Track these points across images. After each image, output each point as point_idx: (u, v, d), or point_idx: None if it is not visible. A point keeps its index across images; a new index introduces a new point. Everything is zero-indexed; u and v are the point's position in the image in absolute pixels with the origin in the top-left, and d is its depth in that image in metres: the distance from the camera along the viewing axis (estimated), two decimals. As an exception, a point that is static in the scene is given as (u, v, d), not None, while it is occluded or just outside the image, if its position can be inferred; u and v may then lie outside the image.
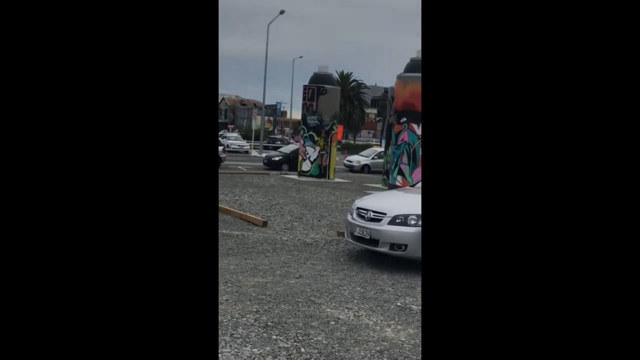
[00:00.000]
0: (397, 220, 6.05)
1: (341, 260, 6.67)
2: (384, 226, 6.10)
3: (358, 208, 6.62)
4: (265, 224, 8.65)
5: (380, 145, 30.32)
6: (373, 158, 25.08)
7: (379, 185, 16.79)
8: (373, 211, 6.33)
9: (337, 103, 19.42)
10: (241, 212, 9.46)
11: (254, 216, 9.17)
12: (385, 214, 6.18)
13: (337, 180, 18.29)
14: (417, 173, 12.93)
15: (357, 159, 25.93)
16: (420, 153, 13.00)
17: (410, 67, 13.53)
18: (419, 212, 5.89)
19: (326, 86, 18.19)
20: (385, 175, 16.50)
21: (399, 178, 13.24)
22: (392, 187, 13.12)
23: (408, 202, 6.42)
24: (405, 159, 13.20)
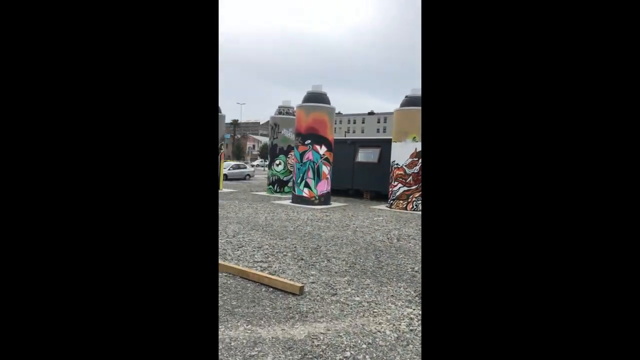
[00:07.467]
0: None
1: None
2: None
3: None
4: (301, 290, 5.39)
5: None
6: (229, 169, 28.25)
7: (264, 193, 19.79)
8: None
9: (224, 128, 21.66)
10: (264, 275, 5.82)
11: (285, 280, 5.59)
12: None
13: (225, 190, 20.09)
14: (321, 185, 16.02)
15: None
16: (323, 170, 16.07)
17: (309, 98, 16.63)
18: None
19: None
20: (290, 188, 19.67)
21: (306, 190, 16.16)
22: (298, 198, 16.00)
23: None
24: (310, 174, 16.19)
